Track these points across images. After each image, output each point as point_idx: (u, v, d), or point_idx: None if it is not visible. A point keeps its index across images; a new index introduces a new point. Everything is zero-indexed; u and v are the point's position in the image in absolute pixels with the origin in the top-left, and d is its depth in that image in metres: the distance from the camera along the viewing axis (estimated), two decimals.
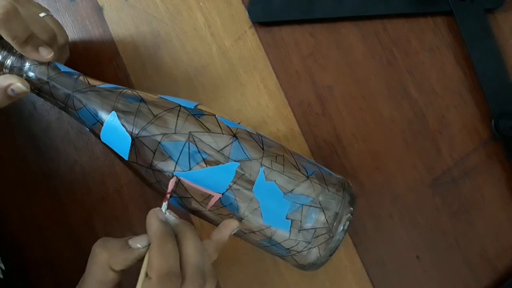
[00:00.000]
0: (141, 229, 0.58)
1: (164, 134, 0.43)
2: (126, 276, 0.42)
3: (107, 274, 0.40)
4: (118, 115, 0.43)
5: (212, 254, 0.43)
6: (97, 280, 0.40)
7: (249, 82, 0.59)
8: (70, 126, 0.60)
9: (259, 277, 0.57)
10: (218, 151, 0.43)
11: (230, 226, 0.44)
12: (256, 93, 0.59)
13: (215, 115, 0.45)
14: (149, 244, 0.40)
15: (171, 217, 0.42)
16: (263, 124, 0.59)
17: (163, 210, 0.42)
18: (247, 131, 0.46)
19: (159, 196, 0.46)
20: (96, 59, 0.61)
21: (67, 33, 0.51)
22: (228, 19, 0.60)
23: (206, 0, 0.60)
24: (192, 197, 0.44)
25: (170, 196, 0.43)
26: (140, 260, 0.41)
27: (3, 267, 0.57)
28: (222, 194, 0.43)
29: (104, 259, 0.40)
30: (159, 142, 0.42)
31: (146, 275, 0.39)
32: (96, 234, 0.59)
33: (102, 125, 0.44)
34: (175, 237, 0.41)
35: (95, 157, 0.60)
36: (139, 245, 0.40)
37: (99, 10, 0.61)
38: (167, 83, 0.60)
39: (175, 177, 0.43)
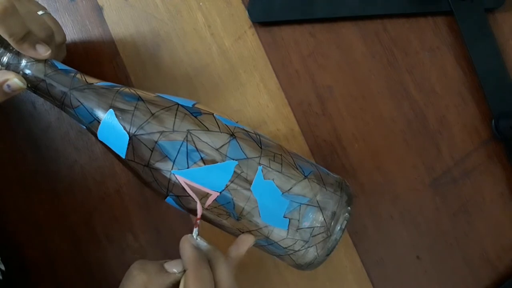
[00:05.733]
0: (141, 229, 0.59)
1: (161, 133, 0.42)
2: None
3: None
4: (115, 113, 0.43)
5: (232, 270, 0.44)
6: None
7: (249, 82, 0.59)
8: (70, 126, 0.60)
9: (259, 277, 0.57)
10: (216, 150, 0.43)
11: (247, 242, 0.45)
12: (256, 93, 0.59)
13: (213, 114, 0.45)
14: (184, 270, 0.41)
15: (202, 242, 0.43)
16: (263, 124, 0.58)
17: (194, 236, 0.43)
18: (245, 130, 0.46)
19: (158, 196, 0.46)
20: (96, 59, 0.61)
21: (66, 33, 0.51)
22: (228, 19, 0.60)
23: (206, 0, 0.60)
24: (189, 195, 0.44)
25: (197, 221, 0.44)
26: (176, 284, 0.42)
27: (3, 268, 0.57)
28: (220, 192, 0.43)
29: (142, 282, 0.41)
30: (157, 141, 0.42)
31: None
32: (96, 234, 0.59)
33: (99, 123, 0.43)
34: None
35: (95, 157, 0.60)
36: (175, 270, 0.42)
37: (99, 10, 0.61)
38: (167, 83, 0.60)
39: (199, 202, 0.43)
